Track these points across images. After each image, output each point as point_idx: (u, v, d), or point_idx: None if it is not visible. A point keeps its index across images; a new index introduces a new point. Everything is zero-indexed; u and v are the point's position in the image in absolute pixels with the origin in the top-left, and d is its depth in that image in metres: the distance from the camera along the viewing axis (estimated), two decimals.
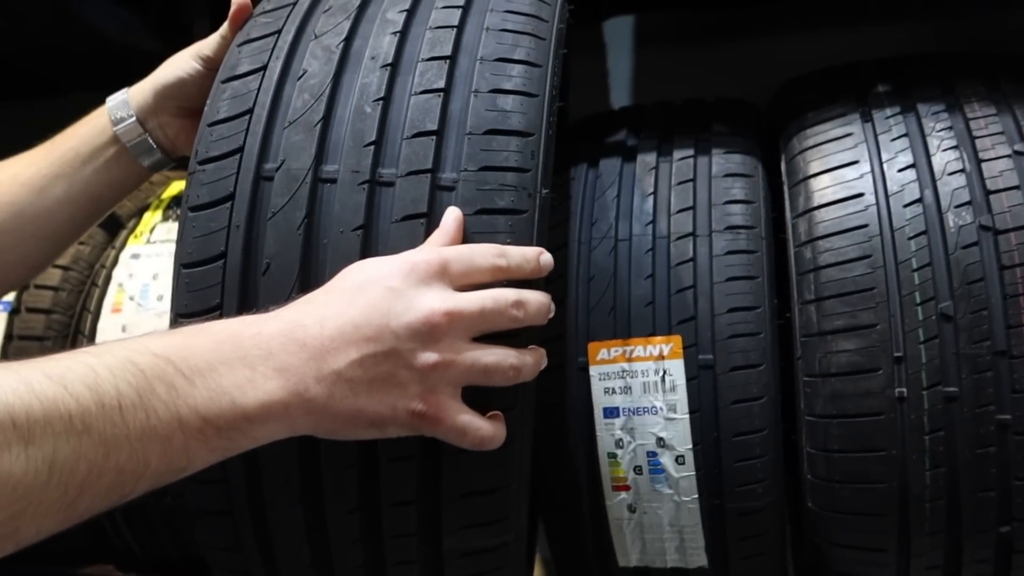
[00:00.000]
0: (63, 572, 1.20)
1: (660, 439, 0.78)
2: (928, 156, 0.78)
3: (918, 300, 0.73)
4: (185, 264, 0.64)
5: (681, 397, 0.78)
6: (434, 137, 0.63)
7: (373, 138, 0.64)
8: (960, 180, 0.76)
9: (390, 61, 0.67)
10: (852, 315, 0.73)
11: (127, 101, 0.82)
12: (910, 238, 0.74)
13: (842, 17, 1.46)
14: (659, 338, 0.79)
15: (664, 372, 0.78)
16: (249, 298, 0.63)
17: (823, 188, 0.79)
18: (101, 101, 0.83)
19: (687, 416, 0.77)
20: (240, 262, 0.63)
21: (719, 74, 1.53)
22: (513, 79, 0.65)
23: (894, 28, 1.47)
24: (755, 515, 0.79)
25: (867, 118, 0.84)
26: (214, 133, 0.67)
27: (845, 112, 0.85)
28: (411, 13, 0.70)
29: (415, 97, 0.65)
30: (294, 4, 0.74)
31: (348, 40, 0.69)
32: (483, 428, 0.58)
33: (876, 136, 0.81)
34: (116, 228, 1.26)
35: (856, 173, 0.79)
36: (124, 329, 1.15)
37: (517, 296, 0.59)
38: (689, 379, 0.78)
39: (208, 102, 0.69)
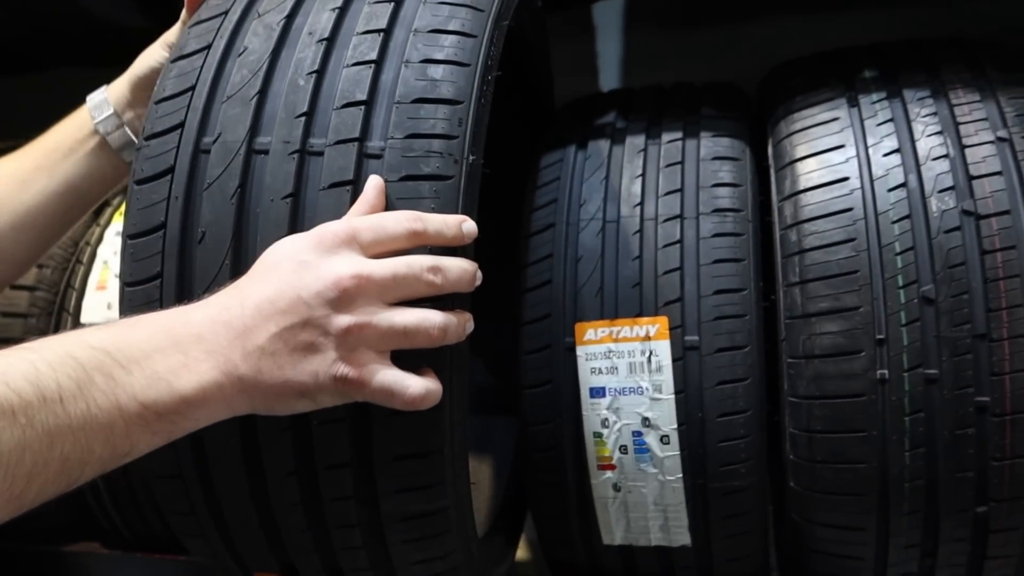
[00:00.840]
0: (49, 550, 1.20)
1: (645, 419, 0.79)
2: (913, 141, 0.79)
3: (901, 283, 0.74)
4: (130, 235, 0.66)
5: (667, 378, 0.78)
6: (363, 107, 0.65)
7: (305, 109, 0.65)
8: (944, 165, 0.77)
9: (327, 36, 0.68)
10: (836, 297, 0.74)
11: (106, 95, 0.84)
12: (894, 222, 0.75)
13: (833, 1, 1.46)
14: (646, 319, 0.79)
15: (650, 353, 0.79)
16: (186, 267, 0.65)
17: (809, 172, 0.80)
18: (86, 77, 0.84)
19: (672, 396, 0.78)
20: (179, 232, 0.65)
21: (708, 57, 1.53)
22: (445, 49, 0.66)
23: (886, 13, 1.47)
24: (738, 494, 0.80)
25: (853, 103, 0.84)
26: (159, 110, 0.69)
27: (832, 97, 0.86)
28: None
29: (347, 69, 0.66)
30: None
31: (290, 17, 0.71)
32: (412, 387, 0.58)
33: (862, 121, 0.82)
34: (102, 206, 1.25)
35: (842, 157, 0.79)
36: (109, 307, 1.15)
37: (434, 262, 0.60)
38: (675, 360, 0.78)
39: (158, 82, 0.71)
